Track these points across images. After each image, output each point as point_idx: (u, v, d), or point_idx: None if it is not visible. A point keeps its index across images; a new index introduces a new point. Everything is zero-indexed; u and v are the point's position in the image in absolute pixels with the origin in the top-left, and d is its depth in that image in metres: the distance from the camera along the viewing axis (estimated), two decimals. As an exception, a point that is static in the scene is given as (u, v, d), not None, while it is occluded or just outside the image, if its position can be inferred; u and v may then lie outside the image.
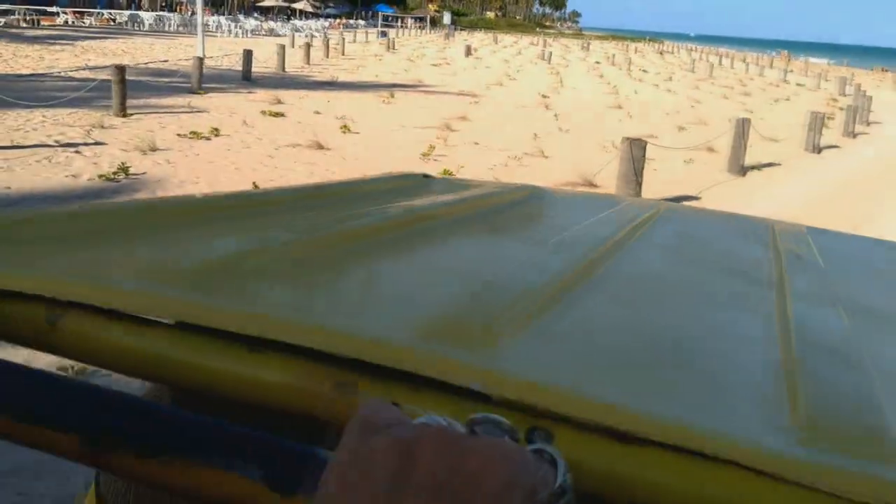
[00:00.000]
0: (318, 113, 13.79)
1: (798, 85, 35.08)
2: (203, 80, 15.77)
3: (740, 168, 11.42)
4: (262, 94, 15.51)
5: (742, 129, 11.19)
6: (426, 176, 1.86)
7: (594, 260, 1.10)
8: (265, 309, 0.72)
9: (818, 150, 14.23)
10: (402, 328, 0.71)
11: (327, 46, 30.18)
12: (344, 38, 40.11)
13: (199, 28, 21.88)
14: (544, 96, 20.51)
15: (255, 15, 61.30)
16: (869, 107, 21.07)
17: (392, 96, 17.39)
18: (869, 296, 1.29)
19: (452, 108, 16.24)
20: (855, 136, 17.36)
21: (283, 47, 22.44)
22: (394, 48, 39.57)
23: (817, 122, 14.08)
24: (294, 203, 1.33)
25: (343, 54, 31.94)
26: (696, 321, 0.97)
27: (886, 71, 63.10)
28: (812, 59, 66.34)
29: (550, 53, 39.37)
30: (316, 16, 76.46)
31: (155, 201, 1.18)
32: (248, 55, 18.68)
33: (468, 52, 38.61)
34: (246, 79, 18.35)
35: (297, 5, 67.69)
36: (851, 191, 11.08)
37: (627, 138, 8.91)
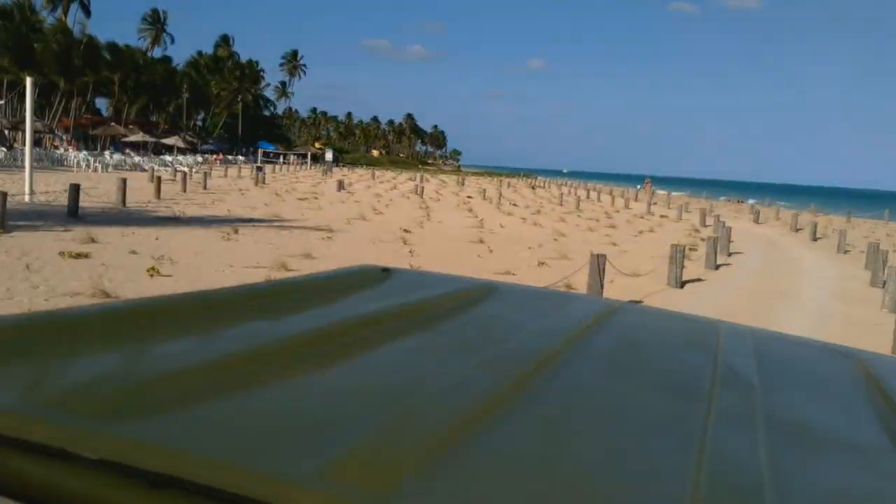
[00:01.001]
0: (134, 253, 12.09)
1: (662, 217, 36.14)
2: (18, 217, 13.84)
3: (599, 307, 10.48)
4: (78, 233, 13.68)
5: (598, 265, 10.34)
6: (385, 269, 1.91)
7: (526, 374, 1.13)
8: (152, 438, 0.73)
9: (681, 284, 13.66)
10: (298, 468, 0.71)
11: (185, 181, 28.61)
12: (211, 173, 38.81)
13: (28, 159, 19.90)
14: (406, 231, 19.57)
15: (127, 150, 59.35)
16: (729, 237, 21.32)
17: (235, 232, 15.92)
18: (801, 409, 1.27)
19: (301, 244, 14.91)
20: (717, 267, 17.15)
21: (124, 181, 20.74)
22: (264, 183, 38.46)
23: (678, 256, 13.58)
24: (237, 305, 1.35)
25: (205, 189, 30.44)
26: (612, 455, 0.94)
27: (742, 202, 67.43)
28: (674, 193, 70.17)
29: (422, 188, 39.24)
30: (192, 151, 75.14)
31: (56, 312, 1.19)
32: (74, 190, 16.87)
33: (340, 186, 37.97)
34: (72, 215, 16.47)
35: (168, 141, 66.18)
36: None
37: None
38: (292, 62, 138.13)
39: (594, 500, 0.80)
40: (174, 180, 29.60)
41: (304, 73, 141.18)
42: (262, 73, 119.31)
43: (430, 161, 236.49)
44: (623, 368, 1.38)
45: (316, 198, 30.88)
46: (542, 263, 15.02)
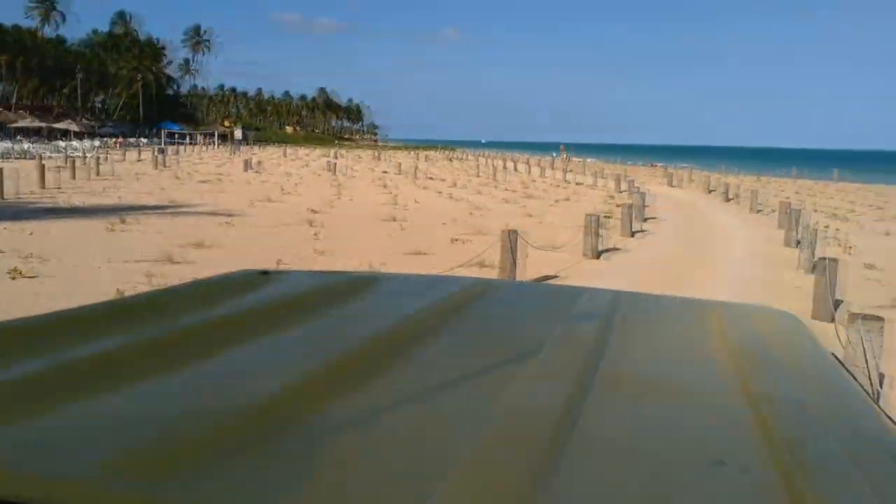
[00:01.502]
0: (-2, 252, 10.78)
1: (578, 184, 36.03)
2: None
3: (514, 286, 9.85)
4: (-64, 231, 12.20)
5: (510, 242, 9.68)
6: (264, 272, 1.86)
7: (358, 359, 1.19)
8: None
9: (597, 254, 13.19)
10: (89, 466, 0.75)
11: (73, 167, 26.66)
12: (108, 158, 36.61)
13: None
14: (314, 212, 18.55)
15: (19, 137, 55.65)
16: (644, 202, 21.11)
17: (122, 222, 14.61)
18: (632, 362, 1.30)
19: (195, 232, 13.76)
20: (634, 234, 16.83)
21: (0, 170, 18.96)
22: (164, 165, 36.49)
23: (593, 226, 13.09)
24: (95, 323, 1.34)
25: (98, 175, 28.49)
26: (414, 414, 1.00)
27: (656, 165, 68.46)
28: (589, 160, 70.70)
29: (335, 165, 38.01)
30: (90, 135, 71.23)
31: None
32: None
33: (247, 166, 36.35)
34: (-66, 211, 14.83)
35: (61, 125, 62.47)
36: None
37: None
38: (195, 38, 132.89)
39: (379, 461, 0.84)
40: (66, 167, 27.61)
41: (209, 48, 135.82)
42: (163, 51, 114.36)
43: (347, 136, 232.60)
44: (461, 341, 1.40)
45: (220, 180, 29.36)
46: (457, 240, 14.32)
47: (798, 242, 15.56)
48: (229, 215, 17.02)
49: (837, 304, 8.97)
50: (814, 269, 12.25)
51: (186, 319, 1.35)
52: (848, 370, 1.50)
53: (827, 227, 19.35)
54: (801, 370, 1.34)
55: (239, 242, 12.99)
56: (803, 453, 0.92)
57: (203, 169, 36.82)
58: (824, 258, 8.75)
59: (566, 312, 1.59)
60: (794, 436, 0.98)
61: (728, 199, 28.57)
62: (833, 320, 8.69)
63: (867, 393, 1.36)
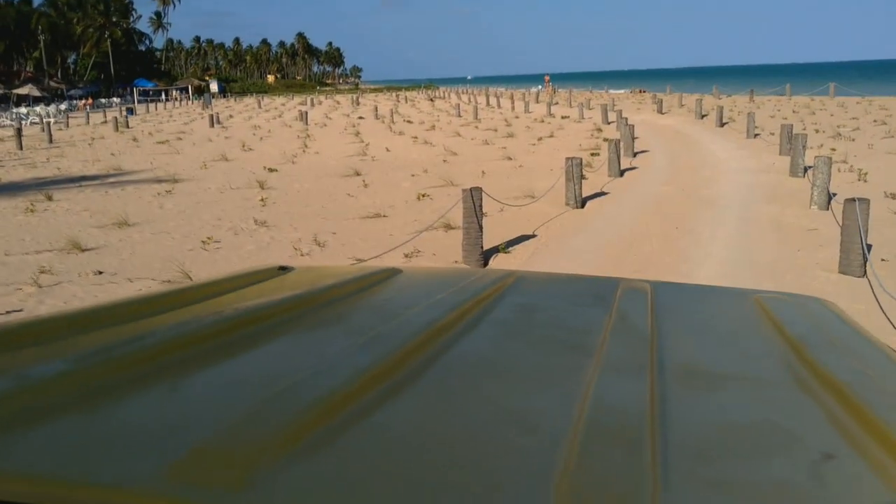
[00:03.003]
0: None
1: (563, 118, 34.13)
2: None
3: (480, 254, 8.30)
4: None
5: (473, 202, 8.09)
6: (283, 268, 1.85)
7: (408, 350, 1.13)
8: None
9: (581, 203, 11.60)
10: (147, 472, 0.72)
11: (19, 136, 24.77)
12: (64, 123, 34.61)
13: None
14: (270, 170, 16.85)
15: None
16: (632, 135, 19.40)
17: (49, 199, 12.96)
18: (691, 353, 1.28)
19: (126, 206, 12.14)
20: (623, 174, 15.19)
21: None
22: (127, 127, 34.48)
23: (575, 171, 11.46)
24: (123, 316, 1.33)
25: (50, 142, 26.59)
26: (493, 413, 0.95)
27: (644, 91, 66.12)
28: (575, 89, 68.32)
29: (306, 114, 35.94)
30: (60, 97, 68.58)
31: None
32: None
33: (213, 121, 34.35)
34: None
35: (21, 91, 59.84)
36: (622, 262, 8.30)
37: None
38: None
39: (468, 464, 0.81)
40: (24, 136, 25.57)
41: (179, 0, 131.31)
42: (131, 5, 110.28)
43: (328, 81, 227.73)
44: (512, 334, 1.37)
45: (180, 139, 27.46)
46: (424, 196, 12.70)
47: (805, 170, 13.98)
48: (174, 181, 15.33)
49: (868, 249, 7.43)
50: (828, 206, 10.71)
51: (208, 320, 1.30)
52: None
53: (834, 150, 17.70)
54: (859, 355, 1.29)
55: (171, 217, 11.36)
56: None
57: (169, 128, 34.81)
58: (853, 199, 7.18)
59: (607, 305, 1.53)
60: (888, 420, 0.93)
61: (722, 124, 26.78)
62: (864, 274, 7.17)
63: None
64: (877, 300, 6.29)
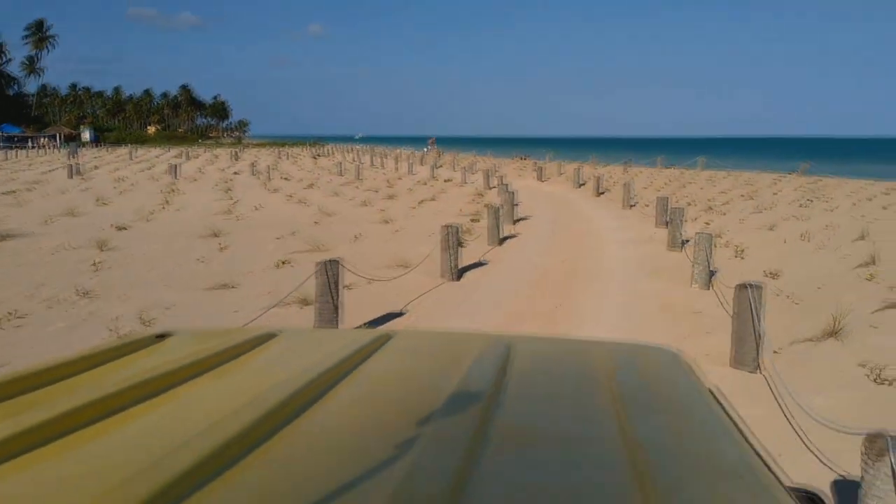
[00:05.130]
0: None
1: (446, 181, 33.75)
2: None
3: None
4: None
5: (328, 276, 7.00)
6: (160, 335, 1.80)
7: (275, 415, 1.16)
8: None
9: (457, 274, 10.72)
10: None
11: None
12: None
13: None
14: (121, 228, 15.17)
15: None
16: (513, 201, 18.94)
17: None
18: (525, 412, 1.33)
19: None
20: (503, 241, 14.53)
21: None
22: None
23: (452, 239, 10.60)
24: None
25: None
26: (320, 484, 0.98)
27: (526, 158, 67.42)
28: (460, 153, 68.95)
29: (177, 166, 33.91)
30: None
31: None
32: None
33: (72, 172, 31.79)
34: None
35: None
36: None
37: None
38: (38, 34, 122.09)
39: None
40: None
41: (54, 46, 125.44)
42: (2, 48, 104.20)
43: (212, 134, 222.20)
44: (365, 398, 1.39)
45: (31, 189, 25.00)
46: (285, 262, 11.49)
47: (683, 244, 13.76)
48: (3, 238, 13.43)
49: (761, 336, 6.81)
50: (709, 285, 10.30)
51: (87, 392, 1.26)
52: (728, 407, 1.50)
53: (708, 223, 17.81)
54: (682, 411, 1.37)
55: (-21, 282, 9.64)
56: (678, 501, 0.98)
57: (25, 176, 31.98)
58: (745, 285, 6.57)
59: (462, 362, 1.56)
60: (671, 483, 1.02)
61: (600, 193, 27.03)
62: (758, 369, 6.54)
63: (744, 430, 1.36)
64: (778, 403, 5.60)
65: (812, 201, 23.21)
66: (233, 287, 9.65)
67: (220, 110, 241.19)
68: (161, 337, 1.80)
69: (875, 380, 6.24)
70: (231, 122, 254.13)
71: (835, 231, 15.87)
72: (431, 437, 1.12)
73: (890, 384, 6.13)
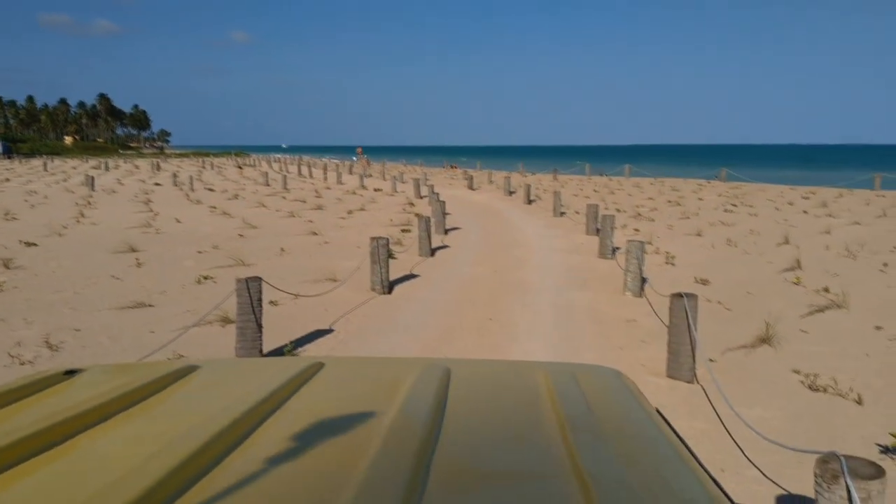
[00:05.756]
0: None
1: (376, 190, 33.36)
2: None
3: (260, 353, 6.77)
4: None
5: (250, 295, 6.60)
6: (69, 372, 1.67)
7: (197, 453, 1.10)
8: None
9: (387, 288, 10.39)
10: None
11: None
12: None
13: None
14: (29, 244, 14.28)
15: None
16: (444, 210, 18.72)
17: None
18: (460, 440, 1.28)
19: None
20: (433, 252, 14.27)
21: None
22: None
23: (382, 251, 10.27)
24: None
25: None
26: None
27: (456, 167, 67.54)
28: (389, 162, 68.55)
29: (93, 178, 32.49)
30: None
31: None
32: None
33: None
34: None
35: None
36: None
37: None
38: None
39: None
40: None
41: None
42: None
43: (133, 144, 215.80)
44: (294, 431, 1.30)
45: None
46: (206, 278, 10.94)
47: (614, 251, 13.77)
48: None
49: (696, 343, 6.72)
50: (642, 292, 10.26)
51: None
52: (671, 427, 1.49)
53: (637, 230, 17.97)
54: (629, 436, 1.35)
55: None
56: None
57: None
58: (680, 294, 6.46)
59: (399, 391, 1.52)
60: None
61: (530, 202, 27.11)
62: (694, 379, 6.43)
63: (688, 449, 1.35)
64: (717, 415, 5.48)
65: (736, 206, 23.77)
66: (149, 306, 9.08)
67: (140, 120, 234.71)
68: (70, 373, 1.67)
69: (810, 387, 6.22)
70: (152, 133, 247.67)
71: (759, 236, 16.19)
72: (370, 479, 1.06)
73: (824, 391, 6.10)
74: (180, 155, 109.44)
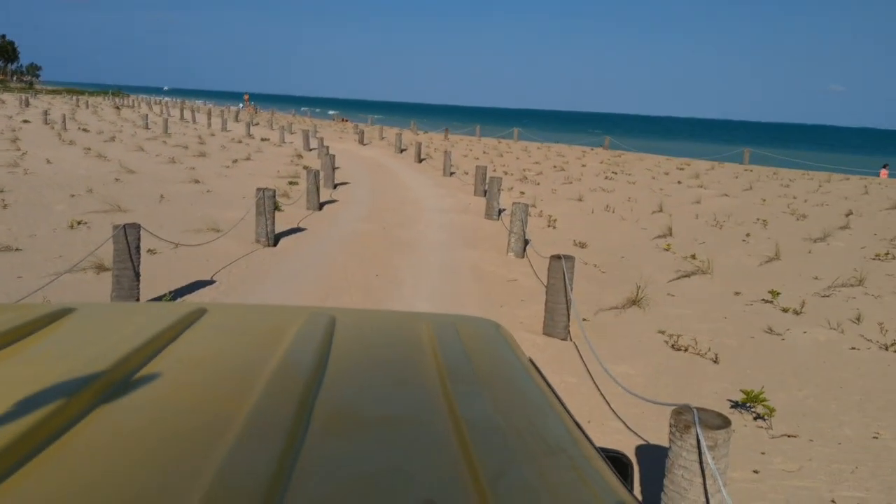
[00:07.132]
0: None
1: (263, 140, 32.48)
2: None
3: (138, 307, 6.59)
4: None
5: (127, 241, 6.38)
6: None
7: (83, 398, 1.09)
8: None
9: (272, 240, 10.26)
10: None
11: None
12: None
13: None
14: None
15: None
16: (333, 165, 18.50)
17: None
18: (341, 391, 1.28)
19: None
20: (322, 207, 14.14)
21: None
22: None
23: (268, 203, 10.10)
24: None
25: None
26: (122, 483, 0.90)
27: (346, 121, 66.58)
28: (278, 112, 66.78)
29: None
30: None
31: None
32: None
33: None
34: None
35: None
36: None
37: None
38: None
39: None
40: None
41: None
42: None
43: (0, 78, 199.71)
44: (176, 379, 1.28)
45: None
46: (80, 223, 10.44)
47: (500, 213, 14.10)
48: None
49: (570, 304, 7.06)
50: (524, 254, 10.59)
51: None
52: (543, 377, 1.54)
53: (523, 193, 18.41)
54: (505, 385, 1.39)
55: None
56: (502, 481, 0.98)
57: None
58: (558, 256, 6.74)
59: (283, 339, 1.51)
60: (499, 463, 1.03)
61: (421, 160, 27.18)
62: (568, 337, 6.76)
63: (558, 398, 1.41)
64: (587, 370, 5.80)
65: (616, 174, 24.71)
66: (17, 250, 8.60)
67: (6, 52, 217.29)
68: None
69: (673, 346, 6.67)
70: (20, 66, 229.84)
71: (636, 203, 16.96)
72: (251, 424, 1.05)
73: (685, 350, 6.56)
74: (52, 91, 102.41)
